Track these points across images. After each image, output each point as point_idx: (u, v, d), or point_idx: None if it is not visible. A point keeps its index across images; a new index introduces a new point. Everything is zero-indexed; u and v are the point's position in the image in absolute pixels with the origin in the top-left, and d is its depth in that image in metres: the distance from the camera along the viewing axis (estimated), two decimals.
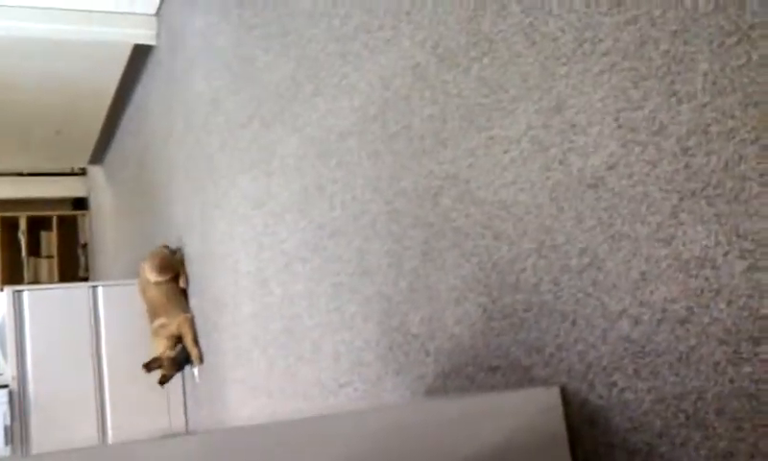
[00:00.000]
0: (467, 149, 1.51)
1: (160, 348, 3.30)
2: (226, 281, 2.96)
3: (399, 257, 1.75)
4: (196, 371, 3.35)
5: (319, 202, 2.13)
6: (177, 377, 3.54)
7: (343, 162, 1.99)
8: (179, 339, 3.33)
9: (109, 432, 3.41)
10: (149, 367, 3.26)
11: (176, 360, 3.31)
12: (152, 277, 3.42)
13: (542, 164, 1.31)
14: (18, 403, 3.30)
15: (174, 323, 3.33)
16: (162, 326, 3.34)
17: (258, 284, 2.60)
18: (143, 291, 3.46)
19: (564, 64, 1.26)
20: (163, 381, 3.32)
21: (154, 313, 3.39)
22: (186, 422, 3.51)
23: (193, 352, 3.31)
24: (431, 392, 1.65)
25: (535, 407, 1.25)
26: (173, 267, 3.45)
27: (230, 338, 2.93)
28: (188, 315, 3.36)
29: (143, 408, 3.46)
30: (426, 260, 1.65)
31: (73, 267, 7.37)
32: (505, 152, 1.40)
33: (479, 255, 1.48)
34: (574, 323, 1.25)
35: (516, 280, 1.39)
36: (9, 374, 3.34)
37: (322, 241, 2.12)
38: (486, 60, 1.45)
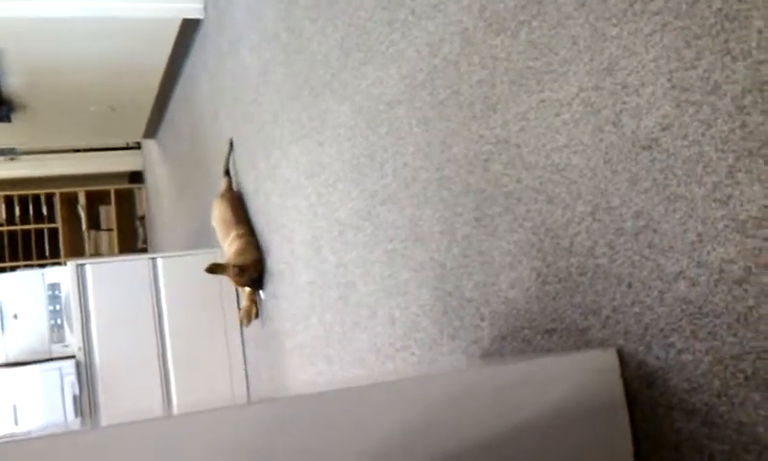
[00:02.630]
0: (517, 113, 1.50)
1: (245, 254, 3.28)
2: (282, 251, 3.00)
3: (452, 224, 1.76)
4: (262, 293, 3.37)
5: (370, 170, 2.14)
6: (238, 345, 3.61)
7: (393, 130, 2.00)
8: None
9: (174, 399, 3.51)
10: (212, 270, 3.23)
11: (243, 283, 3.32)
12: (223, 184, 3.47)
13: (595, 126, 1.31)
14: (85, 373, 3.41)
15: (250, 250, 3.32)
16: (240, 235, 3.32)
17: (313, 253, 2.64)
18: (216, 207, 3.46)
19: (615, 25, 1.25)
20: (212, 271, 3.26)
21: (228, 227, 3.37)
22: (248, 388, 3.59)
23: (245, 307, 3.35)
24: (487, 355, 1.67)
25: (592, 369, 1.25)
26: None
27: (288, 305, 2.98)
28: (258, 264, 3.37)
29: (205, 375, 3.55)
30: (479, 226, 1.66)
31: (132, 239, 7.56)
32: (556, 115, 1.40)
33: (532, 220, 1.48)
34: (630, 285, 1.25)
35: (570, 244, 1.39)
36: (75, 345, 3.45)
37: (374, 209, 2.14)
38: (535, 23, 1.44)
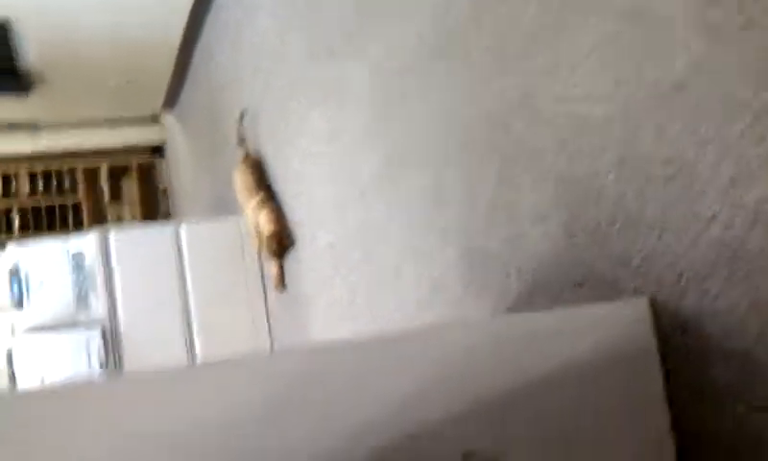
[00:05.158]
0: (534, 68, 1.47)
1: (270, 220, 3.19)
2: (301, 216, 2.99)
3: (474, 184, 1.73)
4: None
5: (390, 132, 2.11)
6: (262, 310, 3.60)
7: (413, 90, 1.96)
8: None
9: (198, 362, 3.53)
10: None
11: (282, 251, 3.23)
12: (240, 153, 3.44)
13: (616, 75, 1.27)
14: (111, 342, 3.44)
15: (278, 215, 3.22)
16: (262, 200, 3.24)
17: (335, 216, 2.62)
18: (238, 176, 3.43)
19: None
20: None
21: (250, 192, 3.30)
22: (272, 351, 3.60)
23: (275, 274, 3.30)
24: (514, 311, 1.64)
25: (623, 319, 1.23)
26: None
27: (310, 269, 2.97)
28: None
29: (230, 342, 3.55)
30: (502, 183, 1.63)
31: (154, 212, 7.57)
32: (575, 66, 1.36)
33: (557, 172, 1.45)
34: (662, 232, 1.22)
35: (597, 195, 1.36)
36: (100, 313, 3.47)
37: (396, 170, 2.11)
38: None
